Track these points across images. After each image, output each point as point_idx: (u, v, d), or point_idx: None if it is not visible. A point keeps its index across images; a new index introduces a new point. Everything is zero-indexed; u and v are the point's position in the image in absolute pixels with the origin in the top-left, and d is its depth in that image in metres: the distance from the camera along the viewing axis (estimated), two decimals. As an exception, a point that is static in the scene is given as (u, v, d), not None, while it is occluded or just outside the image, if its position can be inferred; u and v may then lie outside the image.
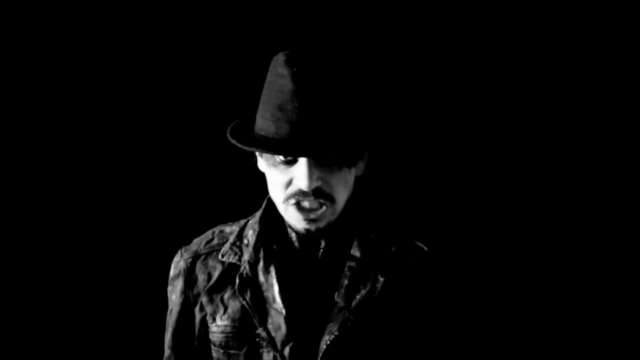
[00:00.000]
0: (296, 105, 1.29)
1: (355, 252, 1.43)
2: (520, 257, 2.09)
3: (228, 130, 1.39)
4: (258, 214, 1.51)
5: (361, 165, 1.46)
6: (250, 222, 1.52)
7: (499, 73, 2.08)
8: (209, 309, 1.47)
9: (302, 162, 1.32)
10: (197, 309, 1.49)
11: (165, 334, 1.54)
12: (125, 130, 2.12)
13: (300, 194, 1.35)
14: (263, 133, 1.34)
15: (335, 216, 1.39)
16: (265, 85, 1.37)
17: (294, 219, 1.38)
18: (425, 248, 1.48)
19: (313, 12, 2.05)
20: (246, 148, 1.34)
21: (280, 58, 1.34)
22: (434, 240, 1.50)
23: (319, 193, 1.35)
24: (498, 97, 2.09)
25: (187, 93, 2.12)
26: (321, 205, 1.36)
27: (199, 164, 2.12)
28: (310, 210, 1.36)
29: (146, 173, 2.13)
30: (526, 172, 2.10)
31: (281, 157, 1.34)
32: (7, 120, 2.06)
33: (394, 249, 1.45)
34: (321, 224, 1.38)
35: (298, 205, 1.36)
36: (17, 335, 2.07)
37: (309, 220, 1.37)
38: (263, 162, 1.41)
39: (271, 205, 1.51)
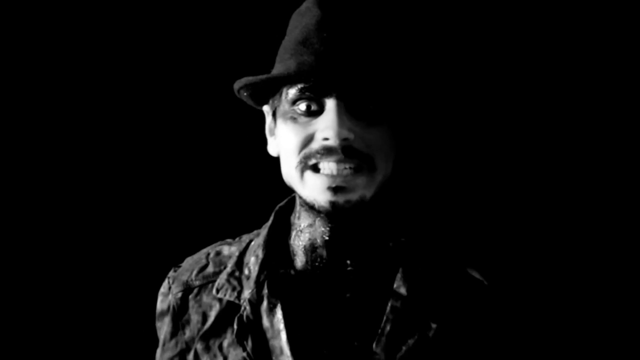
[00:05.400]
0: (324, 35, 1.04)
1: (401, 289, 1.09)
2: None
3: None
4: (264, 232, 1.20)
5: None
6: (253, 243, 1.20)
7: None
8: (205, 359, 1.16)
9: (331, 107, 1.03)
10: (190, 356, 1.19)
11: None
12: (123, 129, 1.85)
13: (324, 150, 1.03)
14: (280, 71, 1.07)
15: (372, 191, 1.06)
16: (286, 34, 1.13)
17: (315, 189, 1.05)
18: (484, 281, 1.13)
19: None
20: (255, 80, 1.07)
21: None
22: (493, 266, 1.14)
23: (351, 151, 1.03)
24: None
25: (187, 83, 1.81)
26: (354, 170, 1.04)
27: (201, 165, 1.81)
28: (335, 176, 1.03)
29: (145, 173, 1.84)
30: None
31: (302, 107, 1.06)
32: (7, 121, 1.84)
33: (447, 283, 1.12)
34: (353, 197, 1.04)
35: (316, 167, 1.05)
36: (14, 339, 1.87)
37: (335, 189, 1.04)
38: (279, 122, 1.11)
39: (281, 219, 1.20)
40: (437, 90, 1.19)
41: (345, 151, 1.02)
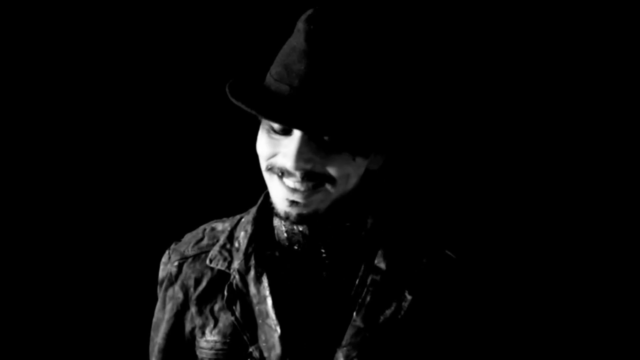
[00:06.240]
0: (302, 68, 1.12)
1: (381, 264, 1.22)
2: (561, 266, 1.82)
3: (229, 83, 1.19)
4: (253, 210, 1.32)
5: (378, 159, 1.24)
6: (243, 220, 1.33)
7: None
8: (198, 322, 1.30)
9: (296, 136, 1.13)
10: (187, 319, 1.32)
11: (151, 343, 1.38)
12: (116, 119, 1.97)
13: (285, 171, 1.15)
14: (262, 91, 1.17)
15: (326, 205, 1.18)
16: (288, 41, 1.20)
17: (277, 195, 1.18)
18: (459, 260, 1.24)
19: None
20: (233, 101, 1.15)
21: (307, 12, 1.17)
22: (466, 247, 1.25)
23: (310, 175, 1.15)
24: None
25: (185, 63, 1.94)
26: (311, 188, 1.15)
27: (200, 148, 1.94)
28: (295, 190, 1.15)
29: (141, 160, 1.96)
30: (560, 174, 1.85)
31: (276, 125, 1.15)
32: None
33: (424, 260, 1.23)
34: (305, 210, 1.17)
35: (281, 178, 1.17)
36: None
37: (291, 203, 1.17)
38: (261, 125, 1.21)
39: (268, 201, 1.30)
40: (397, 136, 1.27)
41: (304, 175, 1.14)
